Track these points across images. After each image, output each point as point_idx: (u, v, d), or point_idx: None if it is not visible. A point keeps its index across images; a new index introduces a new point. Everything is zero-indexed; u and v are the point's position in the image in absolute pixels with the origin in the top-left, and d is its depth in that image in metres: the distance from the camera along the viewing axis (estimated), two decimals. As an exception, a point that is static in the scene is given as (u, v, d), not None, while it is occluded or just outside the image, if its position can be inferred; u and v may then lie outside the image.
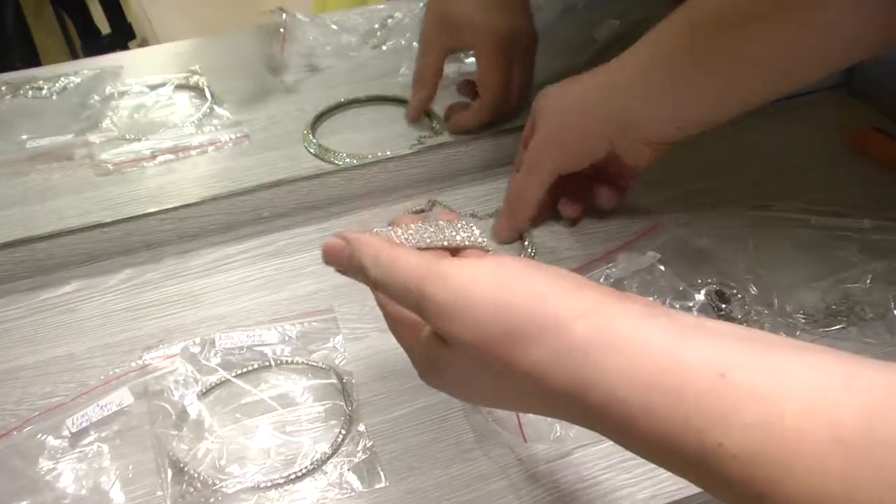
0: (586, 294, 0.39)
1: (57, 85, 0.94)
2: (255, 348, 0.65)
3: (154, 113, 0.91)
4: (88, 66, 0.98)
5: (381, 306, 0.50)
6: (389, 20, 1.02)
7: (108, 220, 0.74)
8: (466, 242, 0.51)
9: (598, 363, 0.36)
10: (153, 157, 0.84)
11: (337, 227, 0.78)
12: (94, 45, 1.52)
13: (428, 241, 0.51)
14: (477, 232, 0.52)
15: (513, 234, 0.76)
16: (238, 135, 0.86)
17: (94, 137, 0.86)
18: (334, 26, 1.01)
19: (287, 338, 0.66)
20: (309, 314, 0.69)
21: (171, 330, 0.68)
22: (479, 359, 0.40)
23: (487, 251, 0.51)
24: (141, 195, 0.79)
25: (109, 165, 0.83)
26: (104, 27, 1.59)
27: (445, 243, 0.51)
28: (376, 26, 1.01)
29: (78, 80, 0.94)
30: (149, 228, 0.75)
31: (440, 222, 0.52)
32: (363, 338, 0.67)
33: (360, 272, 0.46)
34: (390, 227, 0.51)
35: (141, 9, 2.73)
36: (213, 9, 2.79)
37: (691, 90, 0.66)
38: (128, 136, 0.86)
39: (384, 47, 0.99)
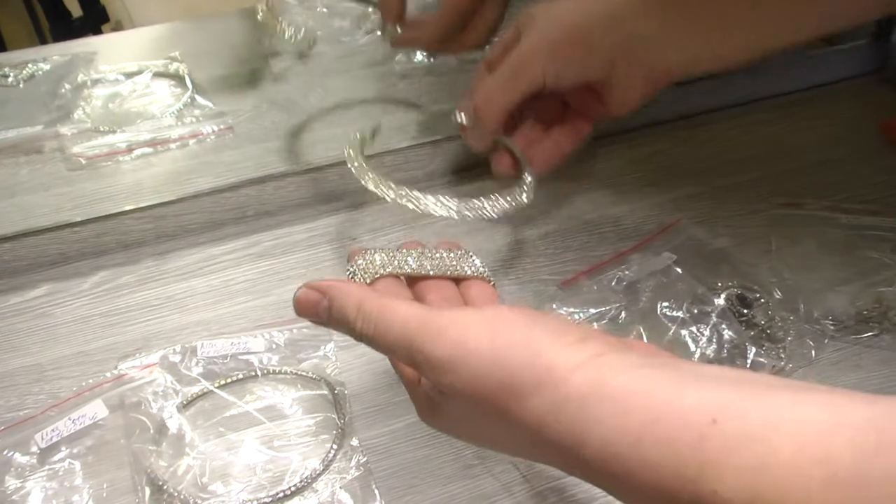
0: (585, 346, 0.41)
1: (24, 72, 0.94)
2: (239, 357, 0.66)
3: (130, 103, 0.91)
4: (58, 52, 0.98)
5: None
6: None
7: (81, 218, 0.75)
8: (469, 272, 0.53)
9: (592, 415, 0.38)
10: (129, 150, 0.84)
11: (328, 226, 0.78)
12: (65, 29, 1.53)
13: (431, 271, 0.53)
14: (478, 262, 0.54)
15: (482, 143, 0.73)
16: (221, 126, 0.87)
17: (65, 129, 0.86)
18: (324, 10, 1.01)
19: (274, 346, 0.66)
20: (298, 320, 0.68)
21: (149, 337, 0.68)
22: (477, 408, 0.42)
23: (490, 282, 0.54)
24: (116, 192, 0.79)
25: (82, 159, 0.83)
26: (75, 10, 1.59)
27: (448, 272, 0.53)
28: (370, 10, 1.01)
29: (47, 66, 0.95)
30: (125, 228, 0.76)
31: (443, 253, 0.54)
32: (356, 345, 0.66)
33: (343, 325, 0.47)
34: (394, 251, 0.53)
35: (116, -8, 2.73)
36: (194, -6, 2.79)
37: (713, 21, 0.65)
38: (102, 128, 0.86)
39: (379, 32, 0.99)
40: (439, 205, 0.63)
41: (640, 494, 0.37)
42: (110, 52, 1.00)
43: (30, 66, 0.94)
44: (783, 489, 0.32)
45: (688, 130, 0.88)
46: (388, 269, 0.53)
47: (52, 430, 0.60)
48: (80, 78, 0.93)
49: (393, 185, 0.64)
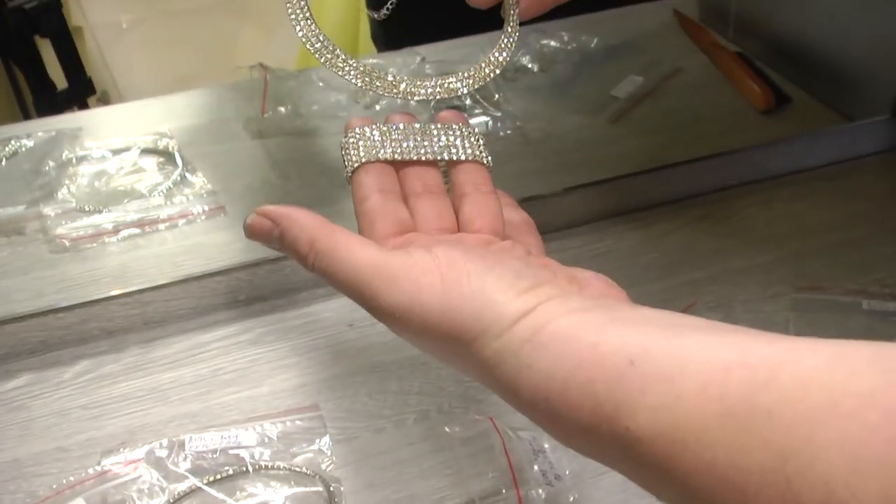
0: (534, 294, 0.45)
1: (6, 149, 0.96)
2: (230, 451, 0.66)
3: (117, 181, 0.92)
4: (43, 128, 1.00)
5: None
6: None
7: (64, 304, 0.75)
8: (464, 156, 0.54)
9: (525, 362, 0.42)
10: (116, 231, 0.85)
11: (324, 310, 0.79)
12: (49, 101, 1.55)
13: (419, 151, 0.54)
14: (474, 142, 0.55)
15: None
16: (212, 206, 0.88)
17: (48, 209, 0.88)
18: (321, 83, 1.03)
19: (267, 439, 0.67)
20: (291, 412, 0.69)
21: (134, 431, 0.69)
22: (429, 346, 0.47)
23: (488, 167, 0.56)
24: (101, 275, 0.81)
25: (66, 241, 0.84)
26: (60, 81, 1.62)
27: (439, 157, 0.54)
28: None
29: (30, 143, 0.97)
30: (110, 314, 0.76)
31: (440, 129, 0.55)
32: (353, 439, 0.68)
33: (294, 257, 0.50)
34: (375, 126, 0.54)
35: (102, 61, 2.78)
36: (184, 62, 2.84)
37: None
38: (87, 208, 0.88)
39: (377, 107, 1.01)
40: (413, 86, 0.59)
41: (569, 433, 0.41)
42: (97, 127, 1.02)
43: (13, 142, 0.96)
44: (685, 425, 0.36)
45: (703, 208, 0.89)
46: (382, 153, 0.54)
47: (30, 532, 0.61)
48: (65, 155, 0.95)
49: (355, 63, 0.59)
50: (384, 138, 0.55)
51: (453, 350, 0.46)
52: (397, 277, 0.46)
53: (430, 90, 0.58)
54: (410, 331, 0.47)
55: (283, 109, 1.00)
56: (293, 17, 0.58)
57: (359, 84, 0.58)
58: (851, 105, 0.98)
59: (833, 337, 0.71)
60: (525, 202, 0.83)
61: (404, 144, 0.55)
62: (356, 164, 0.54)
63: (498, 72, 0.61)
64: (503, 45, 0.61)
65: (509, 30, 0.61)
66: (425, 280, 0.46)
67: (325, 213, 0.87)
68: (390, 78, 0.58)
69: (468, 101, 1.01)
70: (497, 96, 1.02)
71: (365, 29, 1.51)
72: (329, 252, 0.48)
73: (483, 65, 0.60)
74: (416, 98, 0.58)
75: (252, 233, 0.52)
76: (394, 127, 0.55)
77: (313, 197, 0.90)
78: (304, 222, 0.50)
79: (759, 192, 0.90)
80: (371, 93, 1.00)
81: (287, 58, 1.80)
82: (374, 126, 0.55)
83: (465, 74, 0.59)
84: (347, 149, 0.55)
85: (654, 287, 0.79)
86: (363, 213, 0.53)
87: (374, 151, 0.54)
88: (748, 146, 0.92)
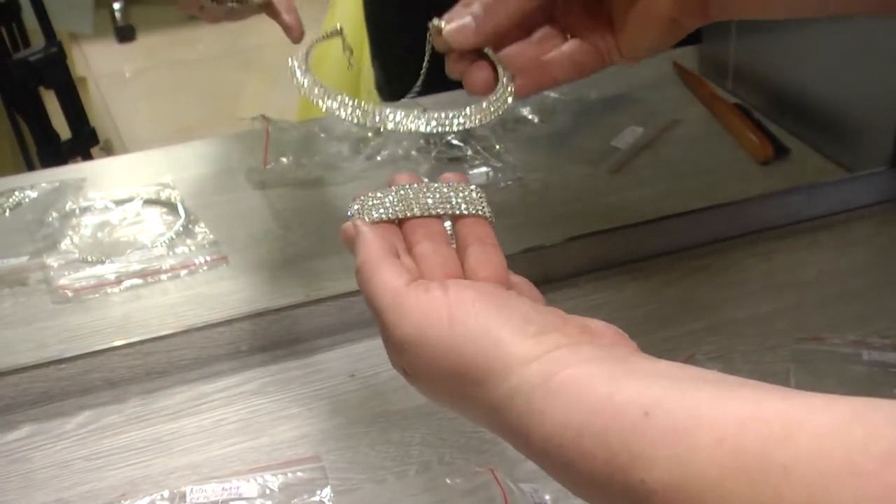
0: (542, 340, 0.45)
1: (10, 200, 0.97)
2: (231, 503, 0.66)
3: (120, 232, 0.93)
4: (46, 179, 1.01)
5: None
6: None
7: (66, 354, 0.76)
8: (467, 211, 0.55)
9: (538, 408, 0.43)
10: (118, 281, 0.86)
11: (326, 361, 0.79)
12: (52, 151, 1.56)
13: (421, 208, 0.55)
14: (483, 200, 0.56)
15: (475, 38, 0.62)
16: (215, 256, 0.89)
17: (51, 260, 0.88)
18: (322, 134, 1.04)
19: (268, 490, 0.67)
20: (293, 463, 0.69)
21: (135, 482, 0.69)
22: (436, 385, 0.48)
23: (490, 221, 0.56)
24: (103, 326, 0.81)
25: (68, 292, 0.85)
26: (64, 132, 1.63)
27: (441, 211, 0.55)
28: (369, 134, 1.04)
29: (34, 194, 0.97)
30: (112, 364, 0.77)
31: (441, 186, 0.56)
32: (355, 490, 0.68)
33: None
34: (386, 193, 0.56)
35: (106, 110, 2.80)
36: (186, 112, 2.86)
37: None
38: (89, 258, 0.88)
39: (378, 157, 1.02)
40: (406, 117, 0.59)
41: (580, 482, 0.41)
42: (100, 177, 1.03)
43: (17, 193, 0.97)
44: (701, 479, 0.36)
45: (702, 259, 0.89)
46: (386, 214, 0.55)
47: (30, 584, 0.60)
48: (69, 206, 0.95)
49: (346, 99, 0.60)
50: (387, 201, 0.56)
51: (461, 391, 0.46)
52: (409, 310, 0.48)
53: (425, 123, 0.59)
54: (419, 366, 0.48)
55: (285, 160, 1.00)
56: (297, 72, 0.60)
57: (358, 119, 0.59)
58: (850, 156, 0.99)
59: (835, 388, 0.72)
60: (525, 253, 0.84)
61: (406, 203, 0.56)
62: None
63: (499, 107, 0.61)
64: (501, 95, 0.62)
65: (498, 94, 0.62)
66: (434, 315, 0.47)
67: (327, 263, 0.88)
68: (388, 111, 0.59)
69: (469, 152, 1.02)
70: (497, 147, 1.03)
71: (366, 79, 1.52)
72: (369, 276, 0.51)
73: (486, 104, 0.61)
74: (413, 129, 0.59)
75: (343, 233, 0.55)
76: (394, 191, 0.56)
77: (315, 247, 0.91)
78: (371, 241, 0.52)
79: (758, 244, 0.91)
80: (370, 134, 1.02)
81: (289, 108, 1.82)
82: (374, 195, 0.56)
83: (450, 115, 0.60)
84: (353, 216, 0.56)
85: (653, 338, 0.80)
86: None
87: (376, 214, 0.55)
88: (747, 197, 0.92)
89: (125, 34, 3.37)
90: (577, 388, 0.42)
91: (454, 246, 0.55)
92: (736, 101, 1.10)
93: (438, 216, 0.56)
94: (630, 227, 0.89)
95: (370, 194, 0.56)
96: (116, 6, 3.38)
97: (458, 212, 0.56)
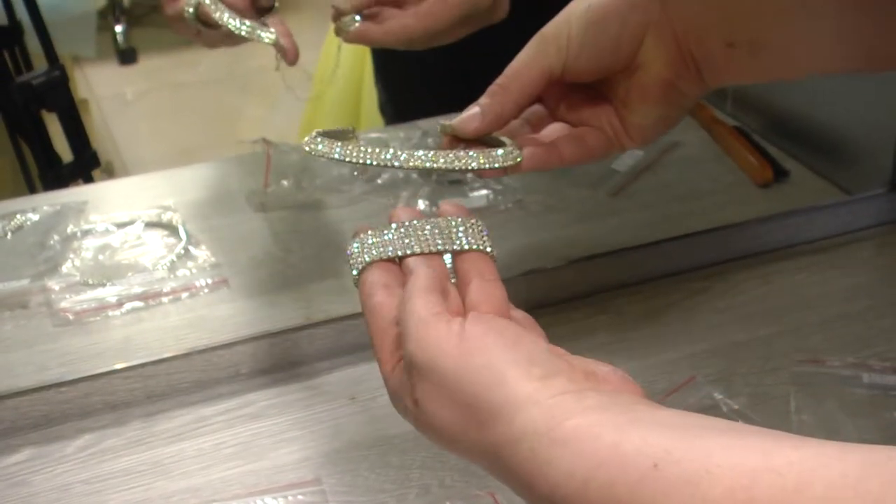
0: (548, 384, 0.45)
1: (12, 223, 0.97)
2: (230, 527, 0.66)
3: (121, 254, 0.93)
4: (48, 202, 1.01)
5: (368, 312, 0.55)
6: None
7: (67, 377, 0.76)
8: (468, 247, 0.55)
9: (543, 457, 0.42)
10: (119, 304, 0.86)
11: (326, 384, 0.79)
12: (54, 174, 1.56)
13: (421, 246, 0.55)
14: (484, 234, 0.56)
15: (481, 123, 0.63)
16: (215, 279, 0.89)
17: (52, 283, 0.88)
18: (323, 157, 1.04)
19: (267, 514, 0.67)
20: (293, 486, 0.69)
21: (135, 506, 0.69)
22: (441, 422, 0.48)
23: (492, 256, 0.56)
24: (104, 349, 0.81)
25: (69, 315, 0.85)
26: (65, 154, 1.64)
27: (441, 248, 0.56)
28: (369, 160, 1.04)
29: (36, 217, 0.98)
30: (112, 387, 0.77)
31: (441, 220, 0.56)
32: (355, 514, 0.68)
33: None
34: (377, 230, 0.56)
35: (107, 132, 2.81)
36: (187, 134, 2.87)
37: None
38: (90, 281, 0.89)
39: (379, 181, 1.02)
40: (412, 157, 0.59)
41: None
42: (102, 200, 1.03)
43: (18, 216, 0.97)
44: None
45: (702, 282, 0.89)
46: (385, 253, 0.56)
47: None
48: (70, 229, 0.96)
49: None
50: (387, 239, 0.56)
51: (464, 429, 0.47)
52: (428, 339, 0.48)
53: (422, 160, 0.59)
54: (428, 392, 0.48)
55: (285, 183, 1.01)
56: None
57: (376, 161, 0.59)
58: (849, 179, 0.99)
59: (835, 411, 0.72)
60: (526, 275, 0.84)
61: (406, 241, 0.56)
62: (361, 266, 0.56)
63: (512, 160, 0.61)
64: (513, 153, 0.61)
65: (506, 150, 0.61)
66: (445, 346, 0.48)
67: (327, 286, 0.88)
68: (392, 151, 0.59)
69: (469, 175, 1.02)
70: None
71: (369, 101, 1.53)
72: (406, 299, 0.51)
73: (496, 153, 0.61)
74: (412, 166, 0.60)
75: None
76: (394, 227, 0.56)
77: (316, 270, 0.91)
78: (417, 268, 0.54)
79: (757, 266, 0.91)
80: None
81: (289, 130, 1.82)
82: (375, 232, 0.57)
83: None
84: (353, 254, 0.56)
85: (654, 360, 0.80)
86: (370, 308, 0.55)
87: (376, 252, 0.56)
88: (747, 220, 0.93)
89: (127, 57, 3.39)
90: (583, 437, 0.42)
91: (454, 282, 0.56)
92: (735, 123, 1.11)
93: (439, 252, 0.56)
94: (630, 250, 0.89)
95: (370, 232, 0.56)
96: (118, 29, 3.39)
97: (458, 248, 0.56)
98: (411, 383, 0.49)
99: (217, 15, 0.80)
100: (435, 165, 0.58)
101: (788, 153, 1.05)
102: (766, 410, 0.74)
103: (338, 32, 0.80)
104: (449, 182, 1.02)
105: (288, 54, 0.84)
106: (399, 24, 0.77)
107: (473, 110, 0.63)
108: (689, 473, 0.38)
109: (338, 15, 0.80)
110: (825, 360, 0.78)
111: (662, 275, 0.90)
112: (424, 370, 0.48)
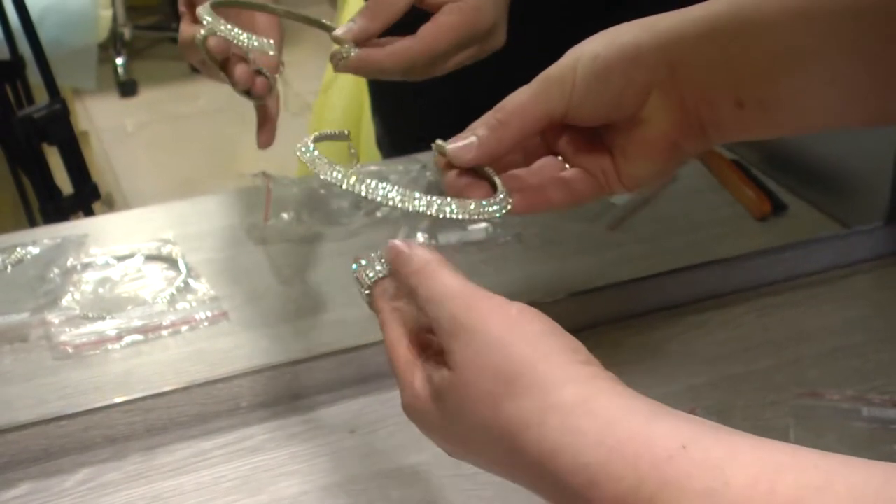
0: (586, 367, 0.47)
1: (12, 256, 0.97)
2: (229, 562, 0.66)
3: (121, 288, 0.93)
4: (48, 235, 1.01)
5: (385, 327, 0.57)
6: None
7: (66, 411, 0.76)
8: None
9: (573, 425, 0.43)
10: (119, 337, 0.86)
11: (326, 417, 0.79)
12: (55, 206, 1.57)
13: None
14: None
15: (477, 153, 0.63)
16: (215, 312, 0.89)
17: (52, 316, 0.88)
18: (322, 190, 1.05)
19: (267, 549, 0.67)
20: (292, 521, 0.69)
21: (133, 540, 0.68)
22: (468, 398, 0.48)
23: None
24: (104, 382, 0.81)
25: (69, 348, 0.85)
26: (66, 186, 1.64)
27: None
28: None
29: (36, 250, 0.98)
30: (112, 421, 0.77)
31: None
32: (354, 549, 0.67)
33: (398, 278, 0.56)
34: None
35: (107, 163, 2.81)
36: (187, 165, 2.88)
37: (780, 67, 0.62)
38: (90, 315, 0.89)
39: (378, 213, 1.03)
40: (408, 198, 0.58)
41: None
42: (102, 233, 1.03)
43: (19, 249, 0.97)
44: None
45: (701, 315, 0.89)
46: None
47: None
48: (70, 262, 0.96)
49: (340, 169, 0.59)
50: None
51: (494, 403, 0.46)
52: (475, 304, 0.49)
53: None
54: (463, 357, 0.48)
55: (285, 216, 1.01)
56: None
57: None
58: (846, 212, 0.99)
59: (835, 444, 0.72)
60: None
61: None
62: (370, 283, 0.58)
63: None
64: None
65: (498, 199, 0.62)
66: (501, 311, 0.49)
67: (327, 318, 0.88)
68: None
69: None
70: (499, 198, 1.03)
71: (368, 134, 1.53)
72: (422, 274, 0.53)
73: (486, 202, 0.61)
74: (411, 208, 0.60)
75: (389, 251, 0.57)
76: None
77: (315, 303, 0.91)
78: (412, 254, 0.54)
79: (756, 299, 0.91)
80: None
81: (288, 162, 1.83)
82: (375, 255, 0.59)
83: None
84: (359, 278, 0.59)
85: (653, 393, 0.79)
86: (385, 321, 0.56)
87: (378, 268, 0.58)
88: (745, 253, 0.93)
89: (127, 89, 3.41)
90: (617, 409, 0.43)
91: None
92: (733, 157, 1.11)
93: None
94: (629, 283, 0.89)
95: (370, 256, 0.58)
96: (119, 61, 3.41)
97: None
98: (450, 350, 0.49)
99: (226, 31, 0.78)
100: (428, 212, 0.59)
101: (786, 186, 1.06)
102: (766, 444, 0.73)
103: (335, 64, 0.79)
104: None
105: (263, 135, 0.84)
106: (401, 47, 0.78)
107: (469, 139, 0.63)
108: (716, 457, 0.39)
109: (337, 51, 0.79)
110: (824, 394, 0.78)
111: (661, 308, 0.90)
112: (469, 332, 0.48)
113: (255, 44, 0.75)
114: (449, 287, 0.51)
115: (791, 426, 0.75)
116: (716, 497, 0.37)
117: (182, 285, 0.93)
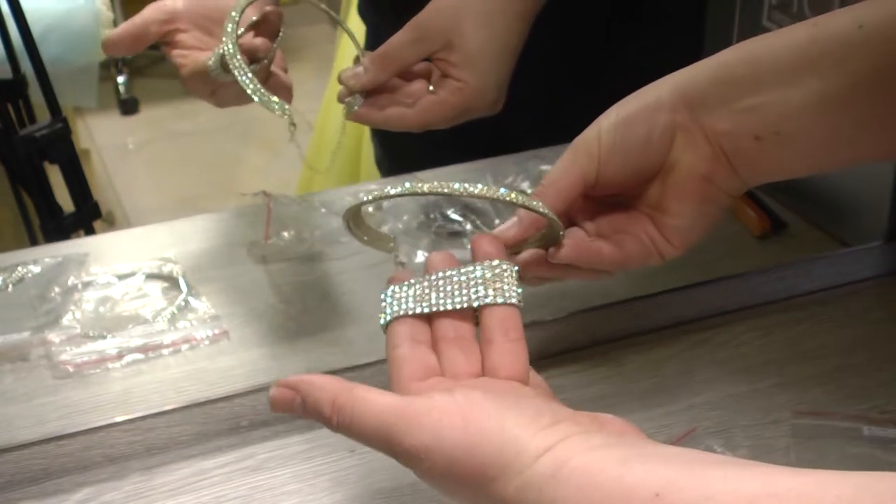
0: (555, 430, 0.47)
1: (13, 275, 0.97)
2: (229, 582, 0.65)
3: (122, 306, 0.93)
4: (50, 254, 1.01)
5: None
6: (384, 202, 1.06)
7: (66, 430, 0.75)
8: (499, 300, 0.58)
9: (550, 496, 0.44)
10: (119, 356, 0.86)
11: (327, 436, 0.79)
12: (56, 225, 1.57)
13: (453, 301, 0.58)
14: (514, 283, 0.59)
15: (526, 232, 0.70)
16: (216, 331, 0.89)
17: (53, 335, 0.88)
18: (322, 209, 1.05)
19: (267, 569, 0.66)
20: (292, 541, 0.69)
21: (133, 560, 0.68)
22: (451, 487, 0.50)
23: (520, 307, 0.59)
24: (104, 401, 0.81)
25: (69, 367, 0.85)
26: (67, 205, 1.64)
27: (469, 304, 0.57)
28: (370, 209, 1.05)
29: (37, 269, 0.98)
30: (112, 440, 0.76)
31: (475, 270, 0.59)
32: (354, 569, 0.67)
33: (318, 419, 0.54)
34: (410, 284, 0.59)
35: (108, 181, 2.82)
36: (188, 183, 2.88)
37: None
38: (91, 333, 0.89)
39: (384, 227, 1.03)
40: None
41: None
42: (103, 252, 1.03)
43: (20, 268, 0.97)
44: None
45: (701, 333, 0.89)
46: (414, 310, 0.58)
47: None
48: (71, 281, 0.96)
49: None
50: (417, 296, 0.59)
51: (476, 491, 0.47)
52: (420, 418, 0.49)
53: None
54: (435, 471, 0.49)
55: (286, 234, 1.01)
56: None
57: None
58: (846, 230, 0.99)
59: (835, 463, 0.72)
60: (525, 327, 0.84)
61: (434, 297, 0.58)
62: (390, 318, 0.59)
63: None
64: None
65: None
66: (448, 420, 0.49)
67: (327, 337, 0.88)
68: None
69: (468, 226, 1.03)
70: (497, 221, 1.03)
71: (368, 153, 1.54)
72: (350, 405, 0.52)
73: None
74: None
75: (276, 405, 0.56)
76: (426, 281, 0.59)
77: (315, 322, 0.91)
78: (322, 384, 0.54)
79: (756, 318, 0.91)
80: (370, 209, 1.03)
81: (289, 180, 1.83)
82: (409, 283, 0.59)
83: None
84: (385, 304, 0.59)
85: (653, 412, 0.80)
86: (393, 359, 0.57)
87: (405, 305, 0.58)
88: (745, 271, 0.93)
89: (128, 107, 3.41)
90: (588, 473, 0.44)
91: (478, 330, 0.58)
92: (733, 175, 1.11)
93: (465, 309, 0.58)
94: (629, 301, 0.89)
95: (404, 284, 0.59)
96: (120, 79, 3.42)
97: (484, 303, 0.57)
98: (418, 465, 0.50)
99: (236, 73, 0.80)
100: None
101: (786, 205, 1.06)
102: (767, 462, 0.73)
103: (345, 109, 0.84)
104: (448, 234, 1.02)
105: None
106: (397, 114, 0.83)
107: (512, 220, 0.69)
108: (691, 500, 0.40)
109: (345, 94, 0.83)
110: (825, 413, 0.78)
111: (662, 326, 0.90)
112: (431, 448, 0.49)
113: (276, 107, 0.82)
114: (383, 412, 0.51)
115: (791, 445, 0.75)
116: None
117: (183, 304, 0.93)
